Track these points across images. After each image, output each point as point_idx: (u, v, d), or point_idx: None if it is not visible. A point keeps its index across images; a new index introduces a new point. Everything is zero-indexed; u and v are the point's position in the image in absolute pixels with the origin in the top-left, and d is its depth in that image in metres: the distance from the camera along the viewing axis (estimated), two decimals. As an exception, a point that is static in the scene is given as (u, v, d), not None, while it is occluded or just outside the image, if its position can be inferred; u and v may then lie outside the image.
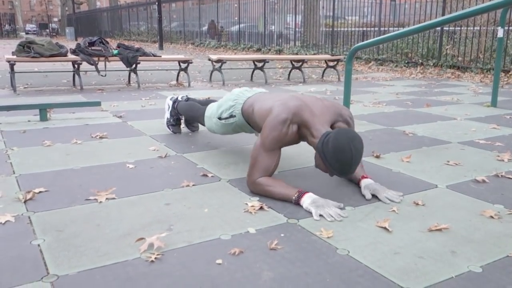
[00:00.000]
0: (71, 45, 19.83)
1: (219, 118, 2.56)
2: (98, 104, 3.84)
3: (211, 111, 2.67)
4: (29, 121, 3.68)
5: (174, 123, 3.31)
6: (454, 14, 2.80)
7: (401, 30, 3.18)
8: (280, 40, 13.97)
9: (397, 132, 3.43)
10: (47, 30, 41.33)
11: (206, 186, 2.20)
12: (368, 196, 2.04)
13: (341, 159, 1.84)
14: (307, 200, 1.92)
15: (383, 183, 2.24)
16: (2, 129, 3.37)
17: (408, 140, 3.18)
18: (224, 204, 1.97)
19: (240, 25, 15.65)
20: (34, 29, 53.01)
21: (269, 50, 13.52)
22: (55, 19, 48.56)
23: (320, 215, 1.83)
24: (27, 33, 53.33)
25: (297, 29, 13.30)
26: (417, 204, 1.97)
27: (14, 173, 2.38)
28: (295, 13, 13.12)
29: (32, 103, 3.67)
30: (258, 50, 14.15)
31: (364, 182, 2.12)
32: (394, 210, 1.90)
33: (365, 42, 3.44)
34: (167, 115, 3.32)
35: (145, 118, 3.87)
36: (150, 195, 2.07)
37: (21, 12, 67.33)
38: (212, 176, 2.35)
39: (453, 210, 1.92)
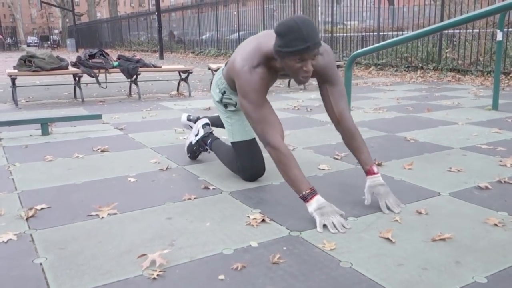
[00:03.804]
0: (72, 56, 19.95)
1: (225, 106, 2.46)
2: (99, 117, 3.85)
3: (229, 130, 2.49)
4: (30, 135, 3.68)
5: (196, 152, 2.87)
6: (452, 20, 2.81)
7: (400, 36, 3.18)
8: (280, 47, 13.98)
9: (399, 139, 3.42)
10: (49, 42, 41.56)
11: (208, 199, 2.19)
12: (368, 201, 2.03)
13: (291, 33, 1.81)
14: (314, 204, 1.87)
15: (386, 192, 2.23)
16: (4, 145, 3.38)
17: (409, 147, 3.17)
18: (226, 217, 1.96)
19: (240, 33, 15.69)
20: (35, 41, 53.30)
21: (269, 57, 13.52)
22: (56, 31, 48.88)
23: (324, 225, 1.82)
24: (28, 46, 53.62)
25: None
26: (420, 213, 1.96)
27: (16, 189, 2.38)
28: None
29: (33, 118, 3.68)
30: (258, 57, 14.16)
31: (369, 181, 2.08)
32: (397, 220, 1.89)
33: (364, 49, 3.44)
34: (193, 140, 2.83)
35: (146, 130, 3.87)
36: (151, 210, 2.06)
37: (23, 25, 67.80)
38: (213, 189, 2.34)
39: (456, 218, 1.91)
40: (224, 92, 2.45)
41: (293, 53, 1.84)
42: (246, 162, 2.41)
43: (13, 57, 22.00)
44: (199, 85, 7.82)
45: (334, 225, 1.81)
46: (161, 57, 16.72)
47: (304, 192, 1.90)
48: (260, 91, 2.02)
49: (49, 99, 6.13)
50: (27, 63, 5.57)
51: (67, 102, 5.86)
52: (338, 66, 7.46)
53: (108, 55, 6.10)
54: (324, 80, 2.16)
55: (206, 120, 2.85)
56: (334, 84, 2.16)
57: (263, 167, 2.44)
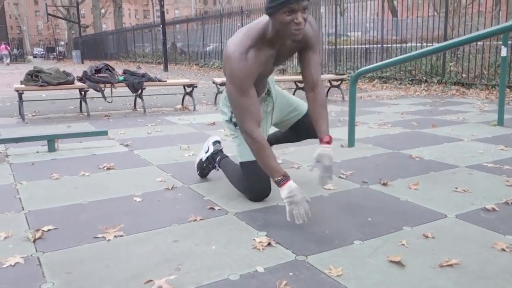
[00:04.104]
0: (78, 68, 20.05)
1: (235, 125, 2.48)
2: (105, 133, 3.87)
3: (237, 150, 2.50)
4: (37, 152, 3.71)
5: (206, 169, 2.86)
6: (456, 40, 2.82)
7: (404, 55, 3.20)
8: (284, 59, 14.03)
9: (404, 156, 3.42)
10: (54, 54, 41.93)
11: (213, 220, 2.19)
12: (312, 168, 2.26)
13: None
14: (285, 191, 2.03)
15: (392, 213, 2.23)
16: (11, 162, 3.40)
17: (415, 165, 3.17)
18: (231, 240, 1.96)
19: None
20: (41, 52, 53.83)
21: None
22: (62, 43, 49.33)
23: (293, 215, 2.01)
24: (34, 57, 54.14)
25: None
26: (427, 236, 1.96)
27: (23, 209, 2.39)
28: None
29: (40, 135, 3.70)
30: (263, 69, 14.20)
31: (320, 149, 2.20)
32: (403, 244, 1.88)
33: (368, 67, 3.46)
34: (203, 157, 2.83)
35: (151, 146, 3.89)
36: (157, 232, 2.06)
37: (29, 37, 68.55)
38: (219, 209, 2.35)
39: (463, 242, 1.90)
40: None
41: (282, 4, 1.92)
42: (252, 182, 2.42)
43: (19, 69, 22.20)
44: (203, 99, 7.85)
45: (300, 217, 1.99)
46: (166, 69, 16.83)
47: (276, 179, 2.06)
48: (248, 78, 2.09)
49: (55, 113, 6.17)
50: (34, 78, 5.63)
51: (73, 116, 5.90)
52: (342, 80, 7.50)
53: (113, 69, 6.15)
54: (309, 48, 2.29)
55: (217, 138, 2.88)
56: (316, 52, 2.31)
57: (269, 188, 2.44)
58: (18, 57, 37.96)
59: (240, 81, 2.08)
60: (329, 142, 2.22)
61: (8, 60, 30.12)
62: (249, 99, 2.11)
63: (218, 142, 2.86)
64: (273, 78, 2.67)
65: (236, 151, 2.50)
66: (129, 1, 43.28)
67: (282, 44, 2.19)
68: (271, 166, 2.07)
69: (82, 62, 29.89)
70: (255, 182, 2.42)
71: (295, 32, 1.98)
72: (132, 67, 21.05)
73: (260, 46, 2.12)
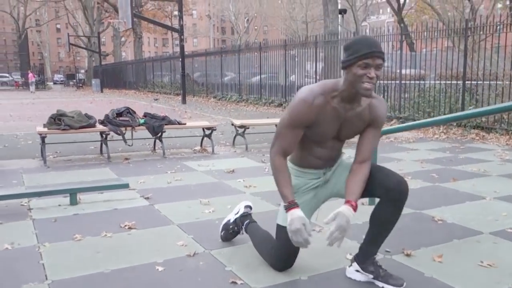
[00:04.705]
0: (97, 98, 20.38)
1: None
2: (126, 186, 3.92)
3: (280, 212, 2.46)
4: (59, 205, 3.76)
5: (231, 230, 2.88)
6: (478, 110, 2.82)
7: (427, 119, 3.21)
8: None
9: (426, 218, 3.38)
10: (74, 81, 42.94)
11: (236, 299, 2.18)
12: (327, 220, 2.18)
13: (356, 43, 2.06)
14: (288, 217, 2.20)
15: (417, 295, 2.20)
16: (34, 217, 3.45)
17: (438, 230, 3.13)
18: (255, 325, 1.95)
19: (262, 76, 15.87)
20: (61, 79, 55.18)
21: (290, 104, 13.63)
22: (82, 70, 50.54)
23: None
24: (55, 83, 55.48)
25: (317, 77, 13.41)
26: (454, 327, 1.92)
27: (46, 278, 2.41)
28: (315, 62, 13.31)
29: (62, 188, 3.77)
30: (279, 105, 14.31)
31: (342, 208, 2.17)
32: (430, 337, 1.85)
33: (391, 127, 3.48)
34: (231, 218, 2.89)
35: (171, 200, 3.91)
36: (180, 312, 2.06)
37: (50, 63, 70.46)
38: (241, 283, 2.34)
39: (492, 336, 1.86)
40: None
41: (358, 58, 2.04)
42: (281, 250, 2.42)
43: (41, 98, 22.72)
44: (221, 138, 7.90)
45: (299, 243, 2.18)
46: (184, 101, 17.07)
47: (283, 204, 2.28)
48: (304, 117, 2.19)
49: (76, 155, 6.28)
50: (57, 121, 5.76)
51: (93, 158, 5.99)
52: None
53: (134, 112, 6.27)
54: (376, 126, 2.33)
55: (249, 203, 2.93)
56: (379, 131, 2.36)
57: (294, 261, 2.44)
58: (39, 84, 38.90)
59: (296, 116, 2.20)
60: (353, 207, 2.19)
61: (34, 88, 31.09)
62: (292, 133, 2.25)
63: (250, 207, 2.90)
64: (346, 163, 2.50)
65: (280, 210, 2.44)
66: (148, 31, 44.36)
67: (352, 107, 2.22)
68: (283, 191, 2.26)
69: (102, 91, 30.51)
70: (284, 251, 2.41)
71: (366, 86, 2.07)
72: (150, 97, 21.44)
73: (330, 98, 2.20)
